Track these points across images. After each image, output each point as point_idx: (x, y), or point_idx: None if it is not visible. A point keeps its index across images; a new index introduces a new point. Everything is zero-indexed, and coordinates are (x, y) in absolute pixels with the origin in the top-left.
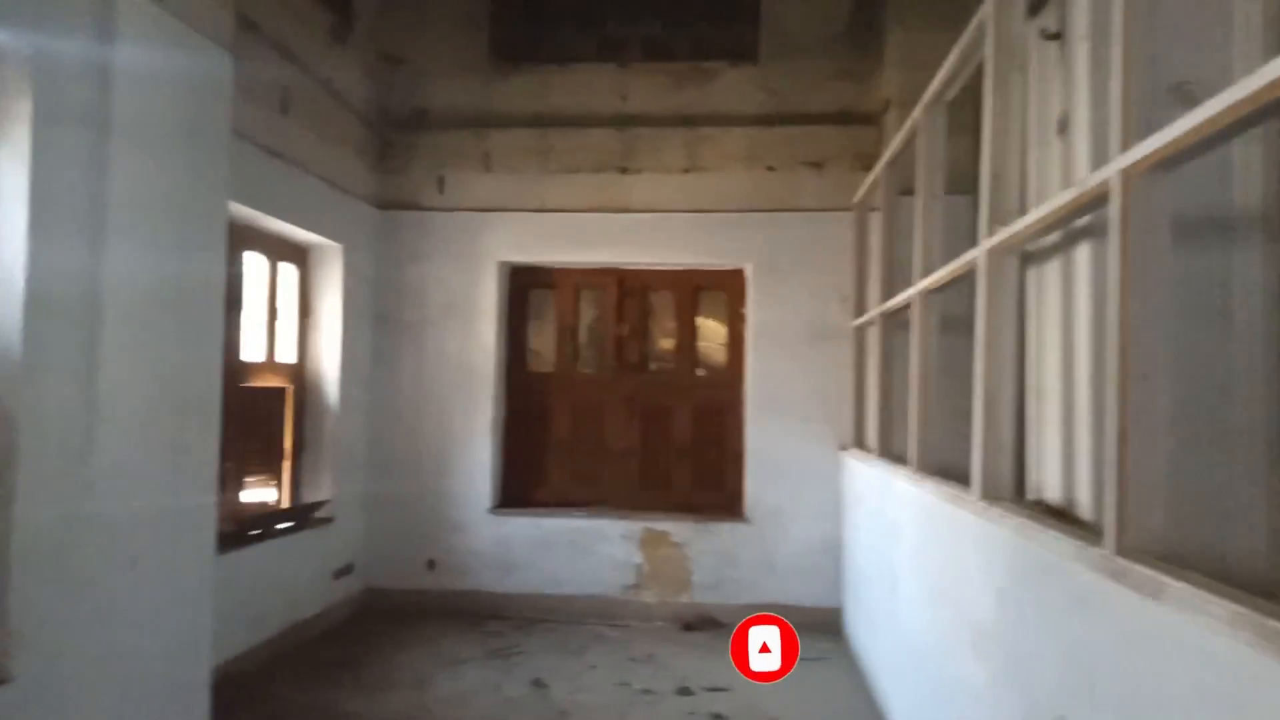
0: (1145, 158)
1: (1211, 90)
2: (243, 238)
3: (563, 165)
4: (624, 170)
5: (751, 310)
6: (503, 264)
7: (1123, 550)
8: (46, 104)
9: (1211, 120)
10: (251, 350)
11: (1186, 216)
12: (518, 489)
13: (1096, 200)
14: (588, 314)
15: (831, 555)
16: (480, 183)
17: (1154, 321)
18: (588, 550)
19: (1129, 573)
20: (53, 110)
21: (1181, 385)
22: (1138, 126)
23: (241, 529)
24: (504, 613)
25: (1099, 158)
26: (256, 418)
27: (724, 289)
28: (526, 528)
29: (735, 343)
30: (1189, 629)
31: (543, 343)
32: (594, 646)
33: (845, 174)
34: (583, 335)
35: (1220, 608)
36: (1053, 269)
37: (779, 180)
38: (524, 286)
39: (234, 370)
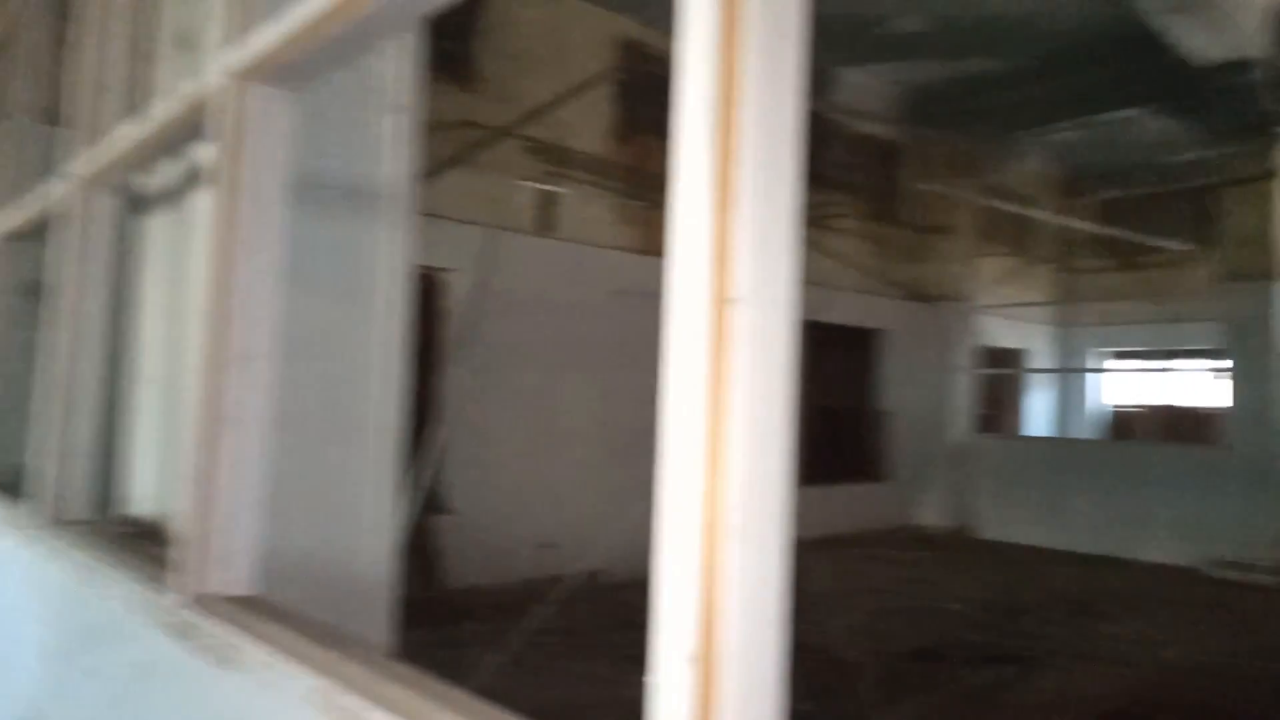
0: (253, 59)
1: None
2: None
3: None
4: None
5: None
6: None
7: (201, 599)
8: None
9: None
10: None
11: (328, 184)
12: None
13: (204, 111)
14: None
15: None
16: None
17: (264, 280)
18: None
19: (201, 631)
20: None
21: (310, 372)
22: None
23: None
24: None
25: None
26: None
27: None
28: None
29: None
30: (271, 707)
31: None
32: None
33: None
34: None
35: (302, 682)
36: (168, 221)
37: None
38: None
39: None
